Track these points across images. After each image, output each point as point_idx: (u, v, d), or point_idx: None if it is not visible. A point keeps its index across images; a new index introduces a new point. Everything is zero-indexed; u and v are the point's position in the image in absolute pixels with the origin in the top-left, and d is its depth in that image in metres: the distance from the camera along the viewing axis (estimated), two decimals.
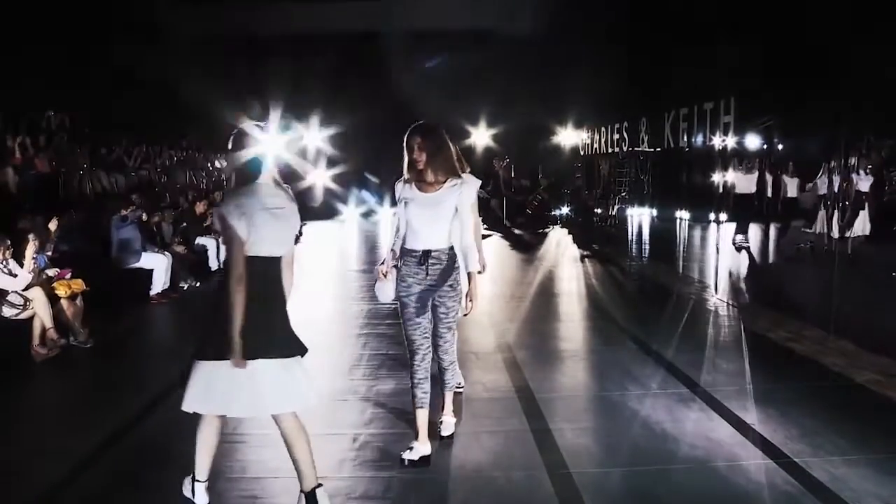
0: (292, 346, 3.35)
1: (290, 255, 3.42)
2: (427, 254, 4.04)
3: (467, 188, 4.05)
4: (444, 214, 4.01)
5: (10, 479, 3.99)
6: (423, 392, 4.18)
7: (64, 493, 3.86)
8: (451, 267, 4.10)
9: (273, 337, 3.27)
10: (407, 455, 4.07)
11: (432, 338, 4.19)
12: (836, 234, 10.43)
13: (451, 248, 4.08)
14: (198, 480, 3.54)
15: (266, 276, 3.27)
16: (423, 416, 4.17)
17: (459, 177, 4.07)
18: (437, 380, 4.38)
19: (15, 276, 6.25)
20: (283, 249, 3.35)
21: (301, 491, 3.44)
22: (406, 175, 4.09)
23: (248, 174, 3.33)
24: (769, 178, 13.59)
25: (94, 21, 13.78)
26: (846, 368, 5.82)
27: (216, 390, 3.24)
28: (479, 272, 5.17)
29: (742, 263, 11.70)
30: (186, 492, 3.57)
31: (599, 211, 18.25)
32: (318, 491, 3.41)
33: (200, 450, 3.48)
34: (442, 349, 4.23)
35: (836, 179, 10.72)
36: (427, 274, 4.06)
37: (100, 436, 4.51)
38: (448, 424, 4.46)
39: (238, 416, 3.48)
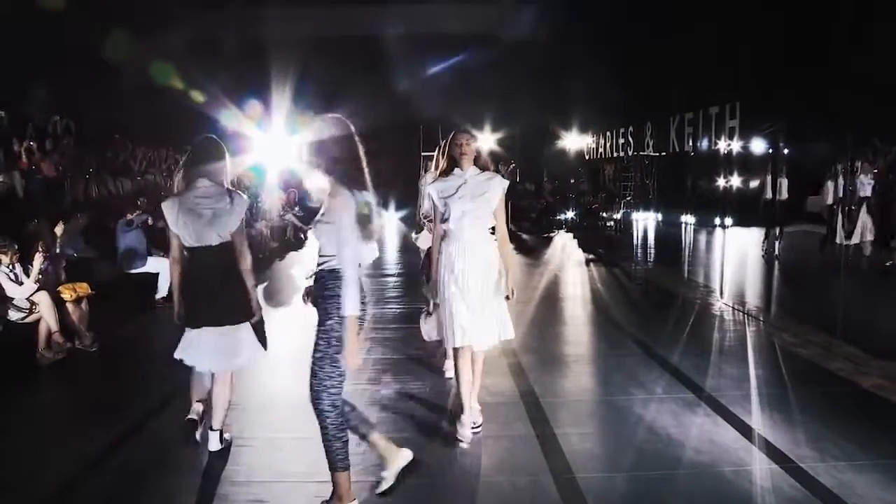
0: (226, 317, 4.14)
1: (237, 244, 4.16)
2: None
3: (343, 199, 3.30)
4: (329, 228, 3.33)
5: (15, 481, 4.00)
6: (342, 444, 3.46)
7: (69, 496, 3.87)
8: (326, 293, 3.36)
9: (207, 309, 4.10)
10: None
11: None
12: (845, 239, 10.37)
13: (334, 272, 3.33)
14: (212, 429, 4.25)
15: (201, 262, 4.10)
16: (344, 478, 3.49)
17: (348, 187, 3.34)
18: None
19: (20, 283, 6.27)
20: (215, 240, 4.08)
21: (210, 427, 4.29)
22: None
23: (186, 180, 4.17)
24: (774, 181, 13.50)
25: (97, 25, 13.84)
26: (852, 373, 5.80)
27: (186, 347, 4.21)
28: (507, 298, 4.50)
29: (747, 268, 11.67)
30: (197, 437, 4.35)
31: (605, 215, 18.24)
32: (219, 433, 4.31)
33: (216, 404, 4.27)
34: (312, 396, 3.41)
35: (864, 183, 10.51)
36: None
37: (105, 439, 4.52)
38: None
39: (191, 364, 4.27)
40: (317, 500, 3.70)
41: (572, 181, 20.93)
